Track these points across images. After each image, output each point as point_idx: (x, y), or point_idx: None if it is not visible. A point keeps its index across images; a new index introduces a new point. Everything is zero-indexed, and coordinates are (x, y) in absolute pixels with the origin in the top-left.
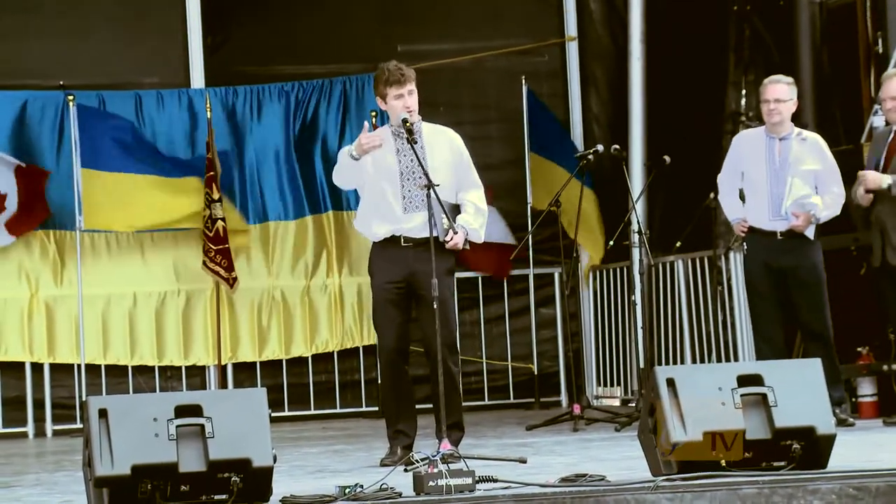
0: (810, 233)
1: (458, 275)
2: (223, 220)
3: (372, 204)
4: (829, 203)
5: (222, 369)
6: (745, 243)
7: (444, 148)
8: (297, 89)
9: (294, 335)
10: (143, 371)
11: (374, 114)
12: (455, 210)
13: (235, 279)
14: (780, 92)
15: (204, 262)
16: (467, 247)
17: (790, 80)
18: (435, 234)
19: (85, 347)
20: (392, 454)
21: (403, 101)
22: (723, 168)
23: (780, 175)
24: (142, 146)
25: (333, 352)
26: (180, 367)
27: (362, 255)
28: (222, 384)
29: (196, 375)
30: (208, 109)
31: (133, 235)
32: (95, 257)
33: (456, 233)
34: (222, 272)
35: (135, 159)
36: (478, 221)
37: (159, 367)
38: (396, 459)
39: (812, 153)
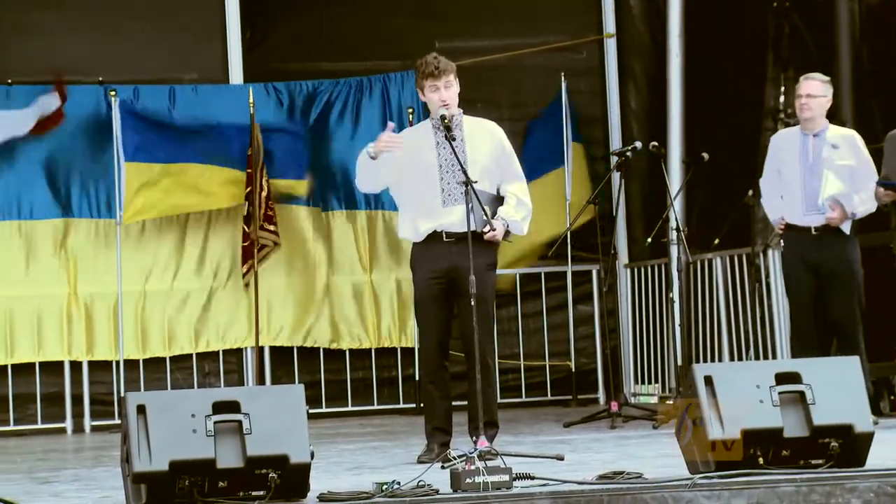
0: (846, 227)
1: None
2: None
3: (412, 201)
4: (865, 199)
5: (260, 368)
6: (782, 241)
7: (485, 140)
8: (335, 86)
9: (329, 329)
10: (181, 368)
11: (411, 110)
12: (497, 202)
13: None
14: (813, 88)
15: (257, 231)
16: (510, 239)
17: (826, 78)
18: (473, 227)
19: (123, 343)
20: (430, 451)
21: (439, 93)
22: (763, 171)
23: (813, 170)
24: (189, 136)
25: (371, 348)
26: (218, 364)
27: (398, 253)
28: (260, 381)
29: (234, 372)
30: (251, 105)
31: (167, 227)
32: (131, 251)
33: (493, 229)
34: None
35: (181, 149)
36: (520, 213)
37: (197, 363)
38: (434, 456)
39: (846, 148)
